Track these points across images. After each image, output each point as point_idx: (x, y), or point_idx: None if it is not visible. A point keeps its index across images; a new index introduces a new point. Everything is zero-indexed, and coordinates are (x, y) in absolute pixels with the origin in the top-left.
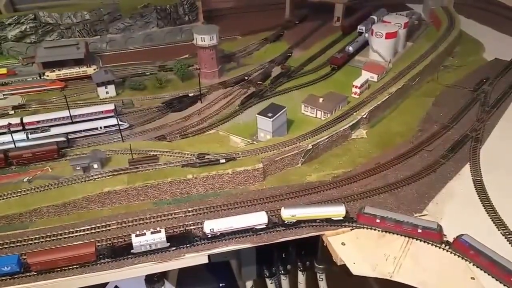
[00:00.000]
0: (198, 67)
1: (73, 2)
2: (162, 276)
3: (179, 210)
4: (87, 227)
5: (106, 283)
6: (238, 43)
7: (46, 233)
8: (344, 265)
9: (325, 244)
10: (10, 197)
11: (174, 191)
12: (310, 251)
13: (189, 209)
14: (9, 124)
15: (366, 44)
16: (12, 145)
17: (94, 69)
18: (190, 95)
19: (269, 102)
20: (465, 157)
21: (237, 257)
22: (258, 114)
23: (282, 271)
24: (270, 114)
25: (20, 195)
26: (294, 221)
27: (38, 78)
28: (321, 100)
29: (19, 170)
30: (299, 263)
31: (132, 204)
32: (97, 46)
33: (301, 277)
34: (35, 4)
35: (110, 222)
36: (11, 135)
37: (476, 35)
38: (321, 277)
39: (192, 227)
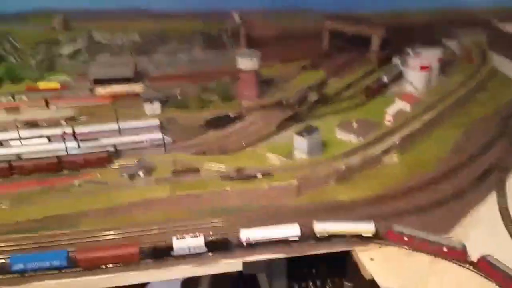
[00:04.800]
0: (239, 90)
1: (124, 23)
2: (196, 284)
3: (217, 219)
4: (130, 230)
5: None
6: (277, 69)
7: (93, 233)
8: (372, 280)
9: (354, 259)
10: (61, 199)
11: (213, 201)
12: (339, 268)
13: (226, 218)
14: (64, 133)
15: (400, 75)
16: (64, 152)
17: (142, 87)
18: (230, 115)
19: (305, 125)
20: (492, 185)
21: (268, 271)
22: (295, 133)
23: (312, 287)
24: (305, 134)
25: (70, 198)
26: (326, 235)
27: (89, 93)
28: (355, 125)
29: (71, 175)
30: (328, 280)
31: (173, 211)
32: (145, 66)
33: None
34: (87, 23)
35: (152, 227)
36: (64, 143)
37: (507, 71)
38: None
39: (229, 235)
